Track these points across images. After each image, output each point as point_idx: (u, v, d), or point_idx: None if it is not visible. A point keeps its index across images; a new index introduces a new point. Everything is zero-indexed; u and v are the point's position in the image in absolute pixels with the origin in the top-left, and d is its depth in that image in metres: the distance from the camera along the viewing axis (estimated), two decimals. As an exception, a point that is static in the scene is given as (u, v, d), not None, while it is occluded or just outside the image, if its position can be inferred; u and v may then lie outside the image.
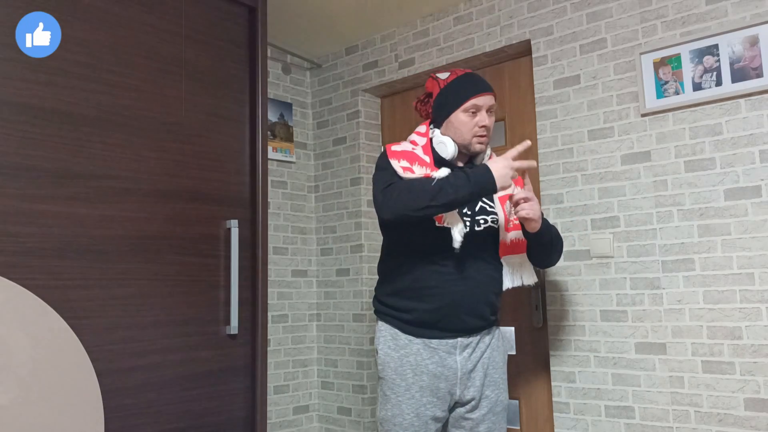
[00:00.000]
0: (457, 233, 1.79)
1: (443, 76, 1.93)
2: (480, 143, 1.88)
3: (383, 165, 1.88)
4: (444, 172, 1.76)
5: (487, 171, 1.69)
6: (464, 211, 1.86)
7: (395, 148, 1.90)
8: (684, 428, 1.99)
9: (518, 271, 1.93)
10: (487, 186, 1.69)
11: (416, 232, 1.84)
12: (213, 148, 1.89)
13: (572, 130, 2.30)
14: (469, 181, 1.69)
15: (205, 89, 1.89)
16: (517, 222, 1.94)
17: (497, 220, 1.90)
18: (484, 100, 1.87)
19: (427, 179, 1.74)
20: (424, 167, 1.84)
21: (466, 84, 1.88)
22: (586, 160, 2.26)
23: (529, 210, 1.79)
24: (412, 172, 1.82)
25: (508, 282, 1.92)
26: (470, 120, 1.86)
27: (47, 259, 1.52)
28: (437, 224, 1.82)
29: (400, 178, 1.81)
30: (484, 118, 1.87)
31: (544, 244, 1.89)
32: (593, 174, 2.24)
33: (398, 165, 1.83)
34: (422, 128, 1.98)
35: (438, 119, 1.93)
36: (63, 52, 1.60)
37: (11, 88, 1.51)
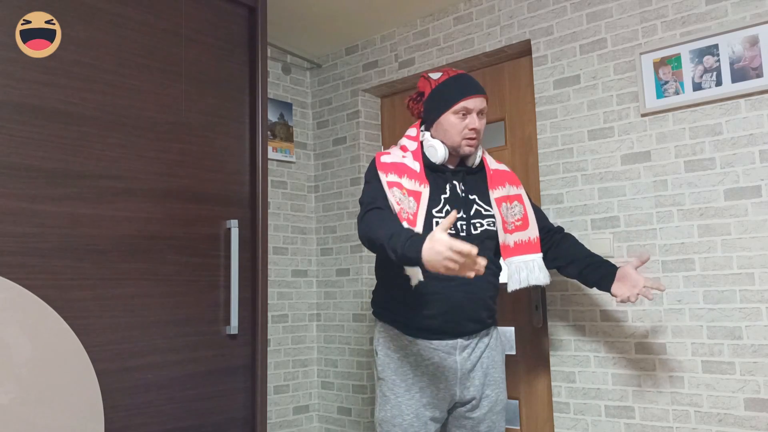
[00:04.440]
0: (414, 280, 1.78)
1: (435, 76, 1.90)
2: (469, 146, 1.87)
3: (370, 177, 1.85)
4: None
5: (418, 249, 1.52)
6: (459, 214, 1.85)
7: (384, 159, 1.87)
8: (684, 428, 1.99)
9: (524, 272, 1.92)
10: (412, 260, 1.55)
11: None
12: (213, 148, 1.89)
13: (572, 130, 2.30)
14: (403, 247, 1.56)
15: (205, 89, 1.89)
16: (519, 224, 1.94)
17: (493, 223, 1.89)
18: (475, 103, 1.84)
19: (397, 222, 1.68)
20: (413, 180, 1.83)
21: (457, 85, 1.85)
22: (586, 160, 2.26)
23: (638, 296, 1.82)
24: (400, 187, 1.80)
25: (514, 284, 1.91)
26: (460, 122, 1.84)
27: (47, 259, 1.52)
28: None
29: (385, 198, 1.79)
30: (474, 120, 1.84)
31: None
32: (593, 174, 2.24)
33: (386, 180, 1.81)
34: (413, 131, 1.95)
35: (428, 120, 1.91)
36: (63, 52, 1.60)
37: (11, 88, 1.51)
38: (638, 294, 1.79)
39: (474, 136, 1.85)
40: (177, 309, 1.76)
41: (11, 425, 1.40)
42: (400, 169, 1.84)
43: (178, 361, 1.75)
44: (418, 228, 1.78)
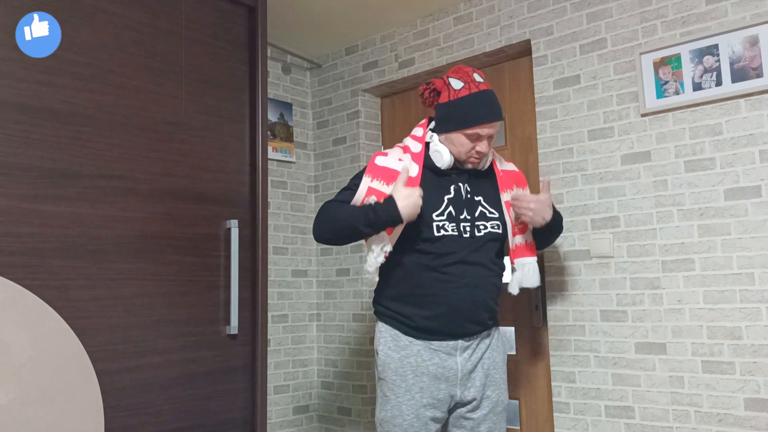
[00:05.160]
0: (368, 265, 1.84)
1: (456, 85, 1.84)
2: (472, 164, 1.88)
3: (351, 183, 1.89)
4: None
5: (394, 212, 1.74)
6: (463, 216, 1.85)
7: (380, 161, 1.87)
8: (684, 428, 1.99)
9: (520, 273, 1.94)
10: (391, 221, 1.75)
11: (418, 237, 1.83)
12: (213, 148, 1.89)
13: (572, 130, 2.30)
14: (377, 215, 1.74)
15: (205, 89, 1.89)
16: (521, 226, 1.94)
17: (499, 226, 1.89)
18: (488, 130, 1.82)
19: (352, 206, 1.81)
20: None
21: (476, 109, 1.81)
22: (586, 160, 2.26)
23: (528, 218, 1.86)
24: (380, 196, 1.80)
25: (529, 283, 1.95)
26: (469, 143, 1.84)
27: (47, 259, 1.52)
28: (435, 233, 1.82)
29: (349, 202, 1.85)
30: (483, 145, 1.84)
31: (546, 232, 1.95)
32: (593, 174, 2.24)
33: (368, 185, 1.83)
34: (419, 131, 1.94)
35: (439, 128, 1.90)
36: (63, 52, 1.60)
37: (11, 88, 1.51)
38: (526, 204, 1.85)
39: (479, 158, 1.87)
40: (177, 309, 1.76)
41: (11, 425, 1.40)
42: (391, 175, 1.84)
43: (178, 361, 1.75)
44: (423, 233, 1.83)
